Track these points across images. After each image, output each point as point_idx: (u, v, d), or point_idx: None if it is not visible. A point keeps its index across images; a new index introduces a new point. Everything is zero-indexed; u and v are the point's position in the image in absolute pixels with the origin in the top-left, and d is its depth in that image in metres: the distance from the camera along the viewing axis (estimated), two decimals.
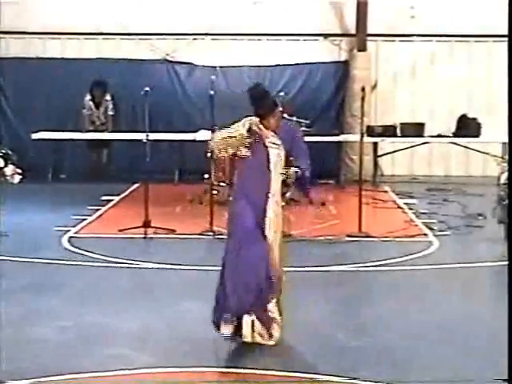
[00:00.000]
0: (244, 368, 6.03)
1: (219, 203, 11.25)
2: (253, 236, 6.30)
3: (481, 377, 5.85)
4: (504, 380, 4.94)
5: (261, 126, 6.43)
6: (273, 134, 6.48)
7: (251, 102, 6.42)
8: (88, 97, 16.76)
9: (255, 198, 6.39)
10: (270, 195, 6.40)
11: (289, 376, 5.95)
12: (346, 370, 5.95)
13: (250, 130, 6.36)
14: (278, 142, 6.48)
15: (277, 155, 6.46)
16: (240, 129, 6.34)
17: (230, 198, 6.67)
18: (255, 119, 6.43)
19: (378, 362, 6.20)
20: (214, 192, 11.50)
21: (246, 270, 6.24)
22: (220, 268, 6.47)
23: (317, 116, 16.65)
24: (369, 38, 17.34)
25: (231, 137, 6.32)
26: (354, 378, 5.80)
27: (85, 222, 11.98)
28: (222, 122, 13.46)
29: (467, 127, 16.62)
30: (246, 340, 6.40)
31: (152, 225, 11.16)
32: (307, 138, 14.13)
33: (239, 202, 6.43)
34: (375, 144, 16.79)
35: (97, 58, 17.25)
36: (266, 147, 6.42)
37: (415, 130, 16.62)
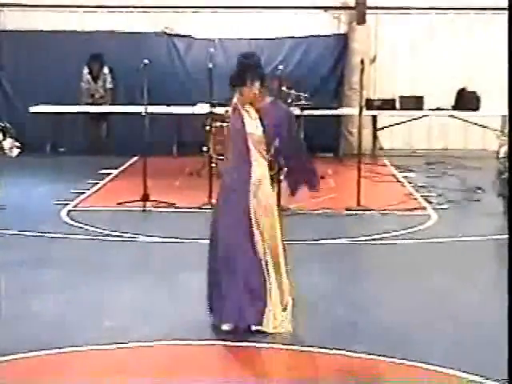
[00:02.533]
0: (243, 342, 6.05)
1: (218, 176, 11.23)
2: (239, 249, 6.11)
3: (477, 351, 5.89)
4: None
5: (238, 98, 6.35)
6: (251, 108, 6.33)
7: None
8: (86, 70, 16.71)
9: (238, 185, 6.22)
10: (251, 183, 6.20)
11: (286, 349, 5.99)
12: (343, 344, 5.96)
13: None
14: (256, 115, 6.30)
15: (255, 129, 6.27)
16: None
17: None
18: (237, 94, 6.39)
19: (375, 337, 6.22)
20: (213, 165, 11.50)
21: (241, 284, 6.09)
22: (208, 266, 6.30)
23: (316, 89, 16.56)
24: (368, 10, 17.26)
25: None
26: (351, 352, 5.83)
27: (83, 196, 11.99)
28: (220, 95, 13.59)
29: (466, 100, 16.58)
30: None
31: (151, 198, 11.17)
32: (306, 112, 14.36)
33: (222, 197, 6.32)
34: (374, 117, 16.77)
35: (95, 31, 17.15)
36: (243, 121, 6.29)
37: (414, 103, 16.58)
